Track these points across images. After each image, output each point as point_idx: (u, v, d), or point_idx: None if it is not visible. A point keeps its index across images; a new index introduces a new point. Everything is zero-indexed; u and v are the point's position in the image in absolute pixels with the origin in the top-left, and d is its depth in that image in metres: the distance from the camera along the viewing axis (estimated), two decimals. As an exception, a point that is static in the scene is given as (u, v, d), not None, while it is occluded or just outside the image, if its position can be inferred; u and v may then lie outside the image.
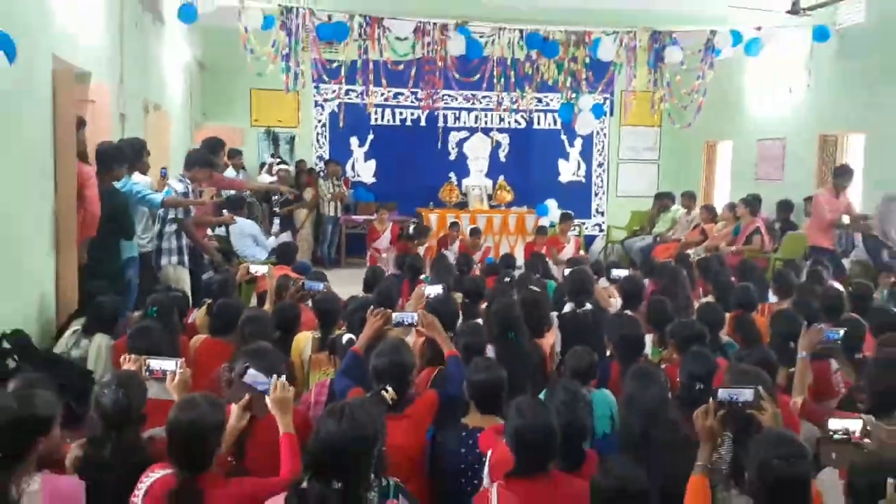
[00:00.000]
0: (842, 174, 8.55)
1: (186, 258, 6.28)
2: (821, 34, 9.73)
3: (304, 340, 4.52)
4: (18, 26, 4.13)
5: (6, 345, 4.02)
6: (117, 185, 5.71)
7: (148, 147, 6.89)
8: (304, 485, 2.26)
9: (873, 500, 2.18)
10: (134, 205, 5.88)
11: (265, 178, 11.38)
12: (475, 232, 9.82)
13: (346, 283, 7.74)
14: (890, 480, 2.13)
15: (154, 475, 2.53)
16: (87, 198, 5.22)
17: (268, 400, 2.90)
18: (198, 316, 5.21)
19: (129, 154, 5.96)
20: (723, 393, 2.85)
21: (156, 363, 3.21)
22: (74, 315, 4.85)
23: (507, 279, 6.40)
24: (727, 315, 5.08)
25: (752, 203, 10.31)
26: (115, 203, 5.50)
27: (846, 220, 8.55)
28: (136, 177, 6.11)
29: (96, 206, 5.25)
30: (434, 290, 5.02)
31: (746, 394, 2.84)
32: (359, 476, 2.28)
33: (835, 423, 2.89)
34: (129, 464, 2.66)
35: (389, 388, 3.21)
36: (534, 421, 2.66)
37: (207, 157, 6.75)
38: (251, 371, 2.99)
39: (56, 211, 5.09)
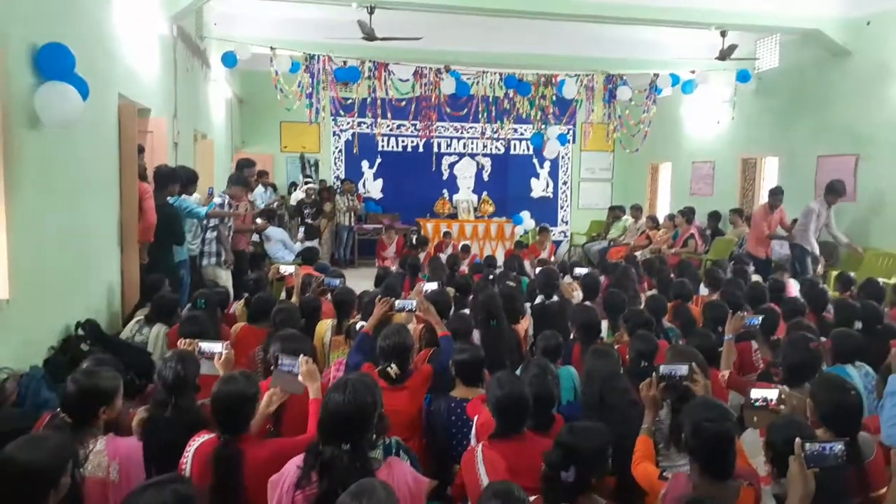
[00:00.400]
0: (773, 194, 8.24)
1: (224, 259, 6.27)
2: (743, 76, 9.78)
3: (325, 327, 4.50)
4: (91, 71, 4.12)
5: (80, 332, 4.00)
6: (170, 200, 5.69)
7: (196, 169, 6.86)
8: (320, 447, 2.25)
9: (786, 455, 2.18)
10: (184, 217, 5.87)
11: (298, 195, 11.38)
12: (465, 248, 9.74)
13: (359, 280, 7.72)
14: (798, 440, 2.13)
15: (200, 439, 2.51)
16: (145, 209, 5.20)
17: (300, 377, 2.87)
18: (238, 307, 5.19)
19: (182, 177, 5.96)
20: (664, 368, 2.84)
21: (206, 345, 3.21)
22: (138, 306, 4.83)
23: (490, 276, 6.40)
24: (668, 304, 5.09)
25: (688, 213, 10.37)
26: (168, 214, 5.49)
27: (782, 232, 8.22)
28: (186, 196, 6.11)
29: (153, 216, 5.24)
30: (431, 286, 5.01)
31: (682, 369, 2.83)
32: (363, 437, 2.26)
33: (756, 393, 2.87)
34: (185, 423, 2.66)
35: (393, 365, 3.21)
36: (510, 391, 2.65)
37: (244, 178, 6.75)
38: (283, 359, 2.93)
39: (121, 219, 5.07)
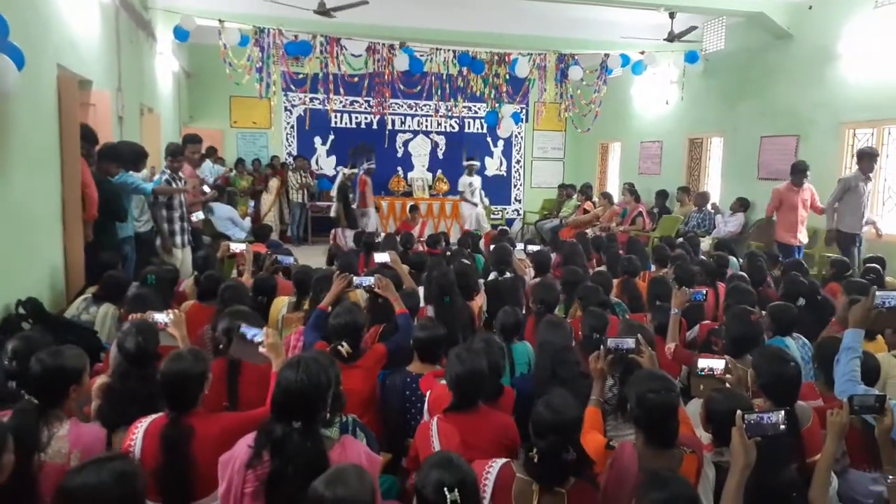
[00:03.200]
0: (797, 171, 7.21)
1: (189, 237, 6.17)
2: (691, 57, 9.94)
3: (281, 304, 4.46)
4: (27, 40, 3.92)
5: (21, 310, 3.85)
6: (115, 178, 5.51)
7: (143, 143, 6.63)
8: (272, 425, 2.21)
9: (724, 425, 2.24)
10: (129, 193, 5.68)
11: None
12: (413, 208, 9.82)
13: (312, 257, 7.63)
14: (739, 411, 2.17)
15: (147, 419, 2.45)
16: (84, 182, 5.02)
17: (261, 349, 2.80)
18: (187, 285, 5.08)
19: (127, 154, 5.73)
20: (611, 342, 2.88)
21: (155, 316, 3.25)
22: (87, 285, 4.68)
23: (448, 253, 6.40)
24: (615, 280, 5.18)
25: (634, 192, 10.57)
26: (106, 191, 5.28)
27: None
28: (133, 172, 5.90)
29: (93, 190, 5.05)
30: (382, 258, 4.99)
31: (629, 342, 2.88)
32: (314, 416, 2.23)
33: (703, 363, 2.94)
34: (147, 392, 2.63)
35: (344, 344, 3.19)
36: (471, 367, 2.67)
37: (180, 148, 6.48)
38: (244, 327, 2.88)
39: (63, 195, 4.87)
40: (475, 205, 11.20)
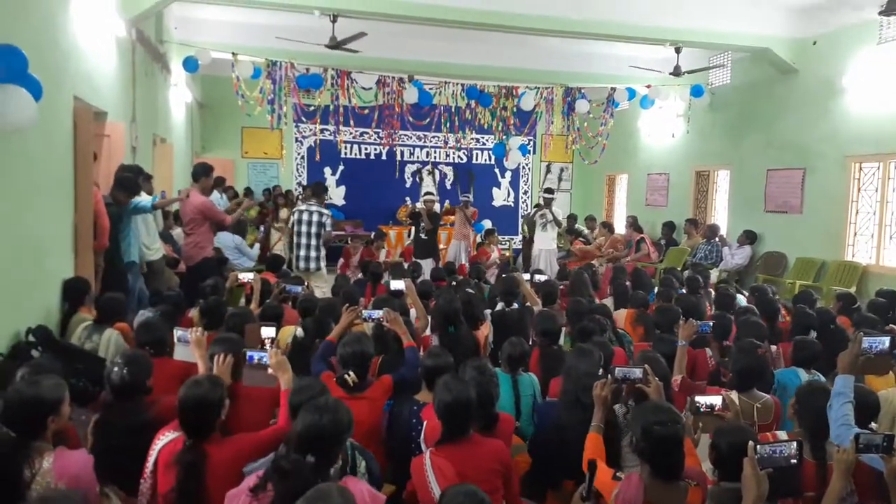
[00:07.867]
0: None
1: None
2: (696, 91, 10.03)
3: (287, 333, 4.46)
4: (45, 72, 4.00)
5: (31, 338, 3.87)
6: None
7: (155, 174, 6.73)
8: (285, 457, 2.21)
9: (729, 459, 2.22)
10: (130, 214, 5.64)
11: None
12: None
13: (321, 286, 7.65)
14: (750, 442, 2.15)
15: (165, 437, 2.46)
16: (96, 212, 5.08)
17: (269, 370, 2.89)
18: (195, 313, 5.09)
19: (136, 183, 5.76)
20: (619, 371, 2.87)
21: (179, 332, 3.61)
22: (69, 313, 4.63)
23: (454, 283, 6.39)
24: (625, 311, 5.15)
25: (634, 223, 10.63)
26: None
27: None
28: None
29: (105, 219, 5.11)
30: (397, 285, 5.00)
31: (636, 372, 2.87)
32: (330, 455, 2.24)
33: (700, 399, 2.93)
34: (131, 426, 2.65)
35: (351, 373, 3.18)
36: (458, 395, 2.65)
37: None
38: (249, 352, 2.95)
39: (75, 223, 4.93)
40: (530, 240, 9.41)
